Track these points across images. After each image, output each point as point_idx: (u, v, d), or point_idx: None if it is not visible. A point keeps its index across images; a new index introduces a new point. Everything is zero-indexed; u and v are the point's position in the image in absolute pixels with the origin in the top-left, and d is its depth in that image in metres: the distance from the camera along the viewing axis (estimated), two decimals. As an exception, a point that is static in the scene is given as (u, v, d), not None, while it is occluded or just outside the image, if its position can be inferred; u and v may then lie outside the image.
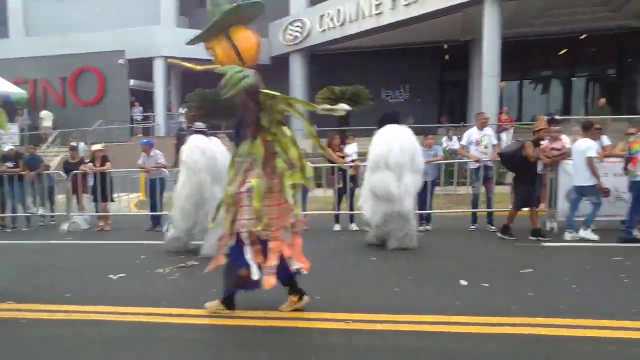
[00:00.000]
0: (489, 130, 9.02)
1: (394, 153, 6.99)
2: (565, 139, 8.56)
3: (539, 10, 19.49)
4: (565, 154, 8.22)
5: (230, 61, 4.17)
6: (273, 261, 4.25)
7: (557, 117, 12.46)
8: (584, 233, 7.60)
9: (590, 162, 7.51)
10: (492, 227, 8.51)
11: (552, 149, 8.30)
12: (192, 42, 4.36)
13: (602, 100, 18.67)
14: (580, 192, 7.71)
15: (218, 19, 4.07)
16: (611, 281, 5.42)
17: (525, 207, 7.85)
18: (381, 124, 7.52)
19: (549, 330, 4.02)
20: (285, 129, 4.25)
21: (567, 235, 7.65)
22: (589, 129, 7.98)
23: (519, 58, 24.15)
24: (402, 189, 7.01)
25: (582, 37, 23.34)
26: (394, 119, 7.59)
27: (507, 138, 15.50)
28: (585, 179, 7.57)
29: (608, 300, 4.78)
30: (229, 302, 4.58)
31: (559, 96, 25.80)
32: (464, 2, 17.97)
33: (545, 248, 7.18)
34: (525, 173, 7.80)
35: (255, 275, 4.24)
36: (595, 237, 7.51)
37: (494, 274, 5.77)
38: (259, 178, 4.19)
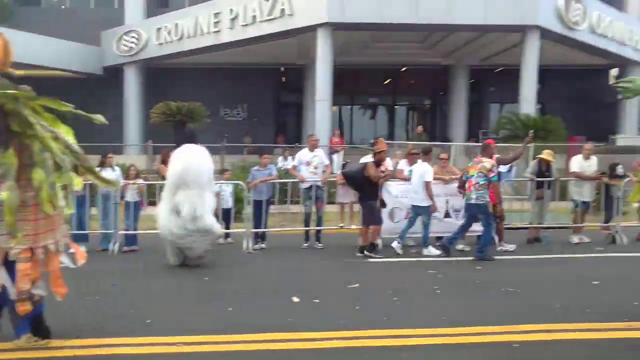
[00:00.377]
0: (319, 152, 9.43)
1: (192, 172, 7.09)
2: (388, 162, 9.31)
3: (367, 42, 21.08)
4: (389, 176, 8.94)
5: None
6: (22, 285, 3.91)
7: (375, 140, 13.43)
8: (426, 251, 8.21)
9: (427, 185, 8.22)
10: (320, 245, 8.92)
11: (377, 171, 8.97)
12: None
13: (420, 128, 20.68)
14: (417, 211, 8.41)
15: None
16: (426, 293, 5.94)
17: (372, 223, 8.13)
18: (179, 143, 7.63)
19: (373, 342, 4.27)
20: (46, 124, 3.96)
21: (425, 251, 8.25)
22: (428, 154, 8.78)
23: (350, 85, 25.88)
24: (204, 206, 7.13)
25: (403, 69, 25.85)
26: (192, 139, 7.73)
27: (338, 159, 16.35)
28: (421, 200, 8.28)
29: (423, 311, 5.24)
30: (39, 330, 4.13)
31: (384, 122, 28.09)
32: (298, 28, 18.68)
33: (371, 264, 7.65)
34: (368, 192, 8.14)
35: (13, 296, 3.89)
36: (437, 252, 8.16)
37: (324, 290, 6.00)
38: (10, 190, 3.80)
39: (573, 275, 6.75)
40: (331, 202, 10.06)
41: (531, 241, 9.26)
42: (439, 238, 8.86)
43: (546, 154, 9.37)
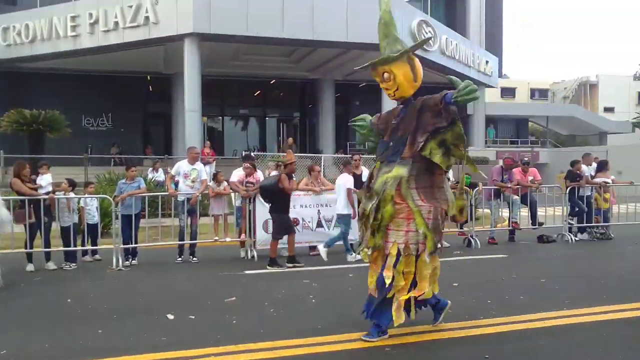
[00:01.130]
0: (199, 165, 9.30)
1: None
2: (259, 174, 9.45)
3: (234, 53, 21.12)
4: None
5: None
6: None
7: (252, 154, 13.56)
8: (322, 252, 8.53)
9: (348, 192, 8.61)
10: (195, 259, 8.79)
11: (247, 182, 9.06)
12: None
13: (290, 140, 21.14)
14: (339, 219, 8.86)
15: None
16: (302, 302, 6.10)
17: (285, 234, 8.32)
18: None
19: (249, 356, 4.30)
20: None
21: (349, 258, 8.68)
22: (347, 165, 9.40)
23: (220, 95, 25.72)
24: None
25: (272, 82, 26.27)
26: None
27: (210, 171, 16.16)
28: (343, 208, 8.65)
29: (298, 321, 5.38)
30: None
31: (256, 133, 28.27)
32: (163, 37, 18.23)
33: (247, 276, 7.67)
34: (281, 203, 8.30)
35: None
36: (325, 258, 8.45)
37: (200, 305, 5.92)
38: None
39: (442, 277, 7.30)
40: (204, 215, 9.93)
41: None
42: (312, 247, 9.19)
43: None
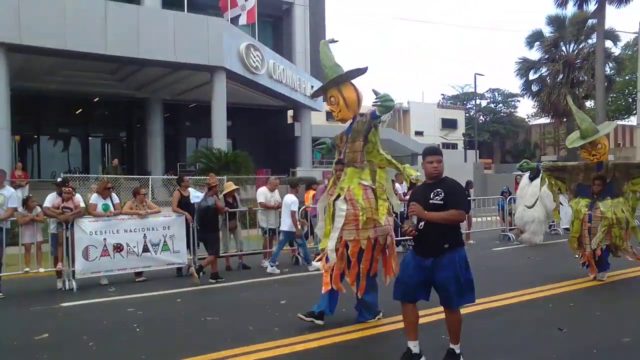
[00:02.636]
0: (7, 190, 8.32)
1: None
2: (78, 198, 8.86)
3: (50, 68, 19.47)
4: (80, 212, 8.53)
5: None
6: None
7: (65, 178, 12.44)
8: (270, 269, 9.38)
9: (292, 214, 9.40)
10: (0, 294, 7.91)
11: (64, 207, 8.45)
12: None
13: (115, 161, 20.04)
14: (285, 236, 9.67)
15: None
16: (125, 332, 5.85)
17: (211, 251, 8.85)
18: None
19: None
20: None
21: (269, 269, 9.43)
22: (295, 187, 10.16)
23: (35, 113, 23.46)
24: None
25: (95, 99, 24.73)
26: None
27: (22, 195, 14.62)
28: (288, 227, 9.43)
29: (123, 352, 5.18)
30: None
31: (78, 154, 26.20)
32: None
33: (64, 309, 7.12)
34: (213, 223, 9.10)
35: None
36: (277, 271, 9.36)
37: (3, 347, 5.37)
38: None
39: (266, 297, 7.54)
40: (13, 244, 8.98)
41: (229, 268, 9.97)
42: (138, 274, 8.86)
43: (227, 186, 10.31)
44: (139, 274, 8.94)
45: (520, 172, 12.56)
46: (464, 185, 13.46)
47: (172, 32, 18.09)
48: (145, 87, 23.04)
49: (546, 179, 8.64)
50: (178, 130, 27.35)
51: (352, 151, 5.81)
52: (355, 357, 4.91)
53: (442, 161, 4.41)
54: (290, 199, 9.62)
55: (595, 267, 7.89)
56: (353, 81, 6.03)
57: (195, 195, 10.18)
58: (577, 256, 8.48)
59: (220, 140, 19.74)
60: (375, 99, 5.48)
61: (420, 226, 4.27)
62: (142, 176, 18.58)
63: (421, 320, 4.63)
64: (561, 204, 9.48)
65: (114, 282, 8.63)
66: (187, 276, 9.13)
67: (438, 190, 4.29)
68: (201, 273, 8.51)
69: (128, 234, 8.77)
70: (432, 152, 4.46)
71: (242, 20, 22.48)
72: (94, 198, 8.93)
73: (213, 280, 8.67)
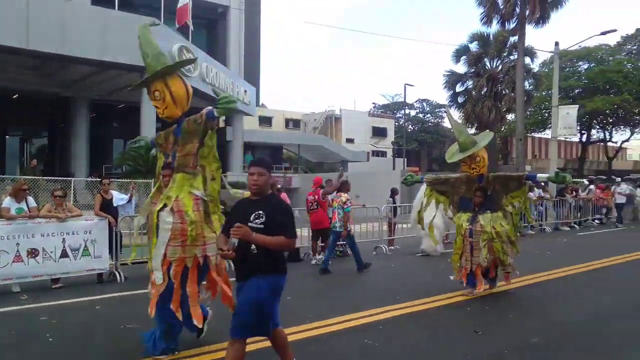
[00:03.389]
0: None
1: None
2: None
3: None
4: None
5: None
6: None
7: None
8: None
9: None
10: None
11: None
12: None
13: (34, 162, 19.08)
14: None
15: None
16: (37, 342, 5.57)
17: None
18: None
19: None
20: None
21: None
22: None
23: None
24: None
25: (15, 96, 23.42)
26: None
27: None
28: None
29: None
30: None
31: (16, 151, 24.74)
32: None
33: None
34: None
35: None
36: None
37: None
38: None
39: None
40: None
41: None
42: (55, 280, 8.48)
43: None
44: (55, 280, 8.55)
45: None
46: (388, 193, 14.00)
47: (100, 29, 17.49)
48: (71, 86, 22.11)
49: (428, 195, 8.29)
50: (105, 131, 26.41)
51: (183, 154, 5.05)
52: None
53: (265, 175, 3.91)
54: None
55: (482, 278, 7.69)
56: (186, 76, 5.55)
57: (120, 198, 9.88)
58: (451, 277, 8.10)
59: (148, 142, 19.21)
60: (218, 99, 4.93)
61: (253, 250, 3.75)
62: (64, 178, 17.74)
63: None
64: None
65: (27, 290, 8.18)
66: (109, 282, 8.85)
67: (259, 212, 3.81)
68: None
69: (45, 238, 8.35)
70: (255, 163, 3.99)
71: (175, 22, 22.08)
72: (6, 201, 8.46)
73: None
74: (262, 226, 3.76)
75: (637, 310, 7.02)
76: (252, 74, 31.27)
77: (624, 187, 19.62)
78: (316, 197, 11.23)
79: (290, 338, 5.42)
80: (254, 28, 32.07)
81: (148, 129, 19.41)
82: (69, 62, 18.55)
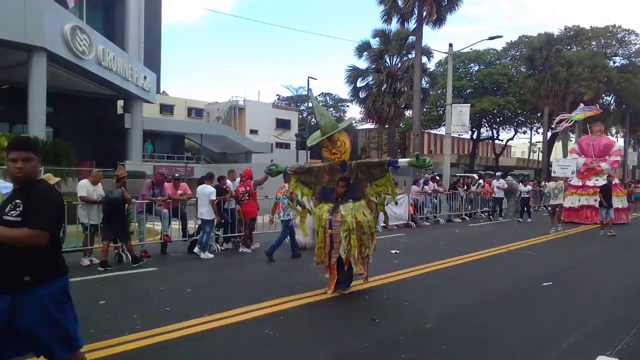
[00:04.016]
0: None
1: None
2: None
3: None
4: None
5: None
6: None
7: None
8: (203, 255, 10.47)
9: (212, 202, 10.63)
10: None
11: None
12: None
13: None
14: (204, 223, 10.70)
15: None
16: None
17: (124, 239, 9.72)
18: None
19: None
20: None
21: (202, 255, 10.46)
22: (210, 179, 11.10)
23: None
24: None
25: None
26: None
27: None
28: (207, 214, 10.59)
29: None
30: None
31: None
32: None
33: None
34: (120, 213, 9.67)
35: None
36: (211, 255, 10.60)
37: None
38: None
39: (85, 297, 7.05)
40: None
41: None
42: None
43: (47, 177, 9.42)
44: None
45: None
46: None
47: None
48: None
49: (294, 186, 7.82)
50: (-16, 114, 24.24)
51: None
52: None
53: (33, 160, 3.14)
54: (209, 190, 10.74)
55: (335, 276, 7.30)
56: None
57: (4, 186, 9.15)
58: (321, 274, 7.69)
59: (37, 127, 17.99)
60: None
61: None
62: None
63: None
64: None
65: None
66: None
67: (17, 201, 3.07)
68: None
69: None
70: (18, 146, 3.15)
71: (70, 3, 20.66)
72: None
73: (135, 265, 9.45)
74: (18, 219, 3.03)
75: (517, 294, 7.70)
76: (152, 60, 30.10)
77: (502, 182, 20.90)
78: (247, 188, 11.65)
79: (189, 331, 5.44)
80: (154, 12, 30.84)
81: (36, 113, 18.21)
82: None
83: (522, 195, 19.62)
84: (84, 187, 9.86)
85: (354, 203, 7.24)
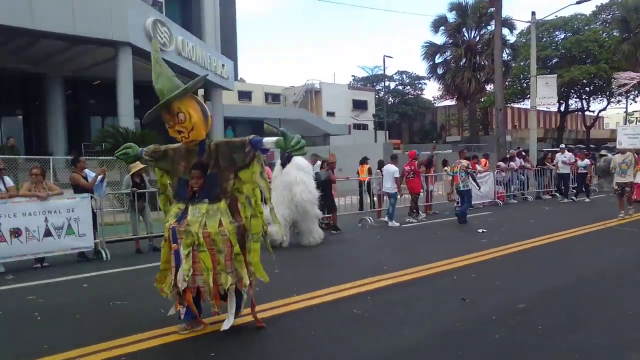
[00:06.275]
0: None
1: None
2: None
3: None
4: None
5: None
6: None
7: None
8: (391, 224, 12.35)
9: (396, 179, 12.60)
10: None
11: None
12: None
13: (12, 140, 18.58)
14: (394, 195, 12.65)
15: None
16: (25, 321, 5.52)
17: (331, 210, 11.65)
18: None
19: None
20: None
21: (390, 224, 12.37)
22: (394, 159, 13.08)
23: None
24: None
25: (-13, 74, 22.71)
26: None
27: None
28: (390, 189, 12.57)
29: (20, 342, 4.90)
30: None
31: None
32: None
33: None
34: (327, 189, 11.45)
35: None
36: (397, 224, 12.34)
37: None
38: None
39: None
40: None
41: (139, 251, 9.67)
42: (39, 259, 8.38)
43: (134, 166, 9.87)
44: (40, 259, 8.45)
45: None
46: (375, 165, 14.32)
47: (69, 3, 16.94)
48: (44, 62, 21.49)
49: (159, 175, 5.47)
50: (81, 109, 25.82)
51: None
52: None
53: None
54: (393, 168, 12.56)
55: (219, 304, 4.88)
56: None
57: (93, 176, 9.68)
58: (176, 311, 5.03)
59: (127, 119, 18.90)
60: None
61: None
62: (43, 156, 17.39)
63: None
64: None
65: (12, 270, 8.08)
66: (94, 260, 8.80)
67: None
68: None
69: (27, 217, 8.22)
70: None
71: (148, -6, 21.46)
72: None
73: (334, 232, 11.35)
74: None
75: (613, 275, 7.19)
76: (229, 48, 30.74)
77: (569, 156, 17.55)
78: (412, 167, 13.66)
79: (278, 310, 5.51)
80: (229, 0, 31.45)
81: (125, 106, 19.08)
82: (38, 37, 17.99)
83: (579, 171, 17.25)
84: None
85: (210, 205, 4.79)
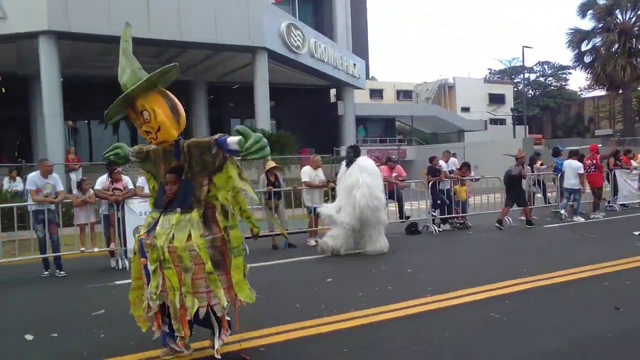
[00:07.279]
0: (53, 178, 8.42)
1: None
2: (126, 180, 9.09)
3: (95, 54, 19.97)
4: (128, 193, 8.78)
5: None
6: None
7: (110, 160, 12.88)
8: (576, 218, 12.16)
9: (579, 175, 12.20)
10: (62, 273, 8.26)
11: (114, 189, 8.71)
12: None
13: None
14: (576, 192, 12.29)
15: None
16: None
17: (522, 205, 11.89)
18: None
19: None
20: None
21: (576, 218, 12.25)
22: (577, 155, 12.60)
23: (85, 98, 24.15)
24: None
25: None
26: None
27: (75, 177, 15.19)
28: (572, 185, 12.13)
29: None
30: None
31: (127, 137, 26.87)
32: (12, 34, 16.68)
33: (118, 287, 7.30)
34: (518, 184, 11.77)
35: None
36: (582, 219, 12.15)
37: (64, 322, 5.58)
38: None
39: (312, 275, 7.57)
40: (69, 225, 9.34)
41: (275, 247, 10.07)
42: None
43: (269, 163, 10.27)
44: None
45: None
46: (427, 160, 13.30)
47: (212, 13, 18.20)
48: (189, 70, 23.36)
49: (147, 178, 4.80)
50: (222, 112, 27.66)
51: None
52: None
53: None
54: (576, 164, 12.22)
55: (187, 332, 4.09)
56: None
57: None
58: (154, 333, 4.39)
59: (264, 121, 19.87)
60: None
61: None
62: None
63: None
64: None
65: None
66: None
67: None
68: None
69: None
70: None
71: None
72: (140, 181, 9.09)
73: (529, 226, 11.41)
74: None
75: None
76: (360, 47, 30.99)
77: None
78: (594, 161, 13.31)
79: (410, 311, 5.36)
80: (359, 0, 31.67)
81: (262, 108, 20.07)
82: (186, 48, 19.57)
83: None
84: (306, 172, 10.54)
85: (182, 215, 4.06)
